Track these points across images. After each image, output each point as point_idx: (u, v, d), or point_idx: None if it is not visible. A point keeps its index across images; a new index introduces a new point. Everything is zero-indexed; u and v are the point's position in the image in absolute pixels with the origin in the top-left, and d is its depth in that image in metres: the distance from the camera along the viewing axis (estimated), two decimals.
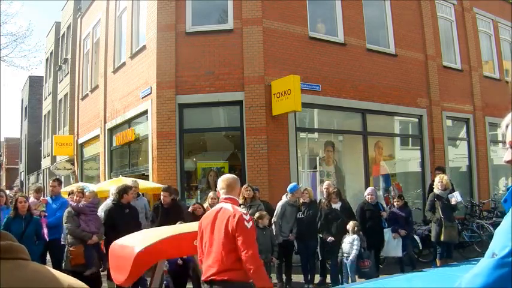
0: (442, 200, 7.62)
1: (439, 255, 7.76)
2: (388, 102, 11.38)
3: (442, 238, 7.47)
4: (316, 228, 7.33)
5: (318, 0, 10.91)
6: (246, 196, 7.28)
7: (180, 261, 5.96)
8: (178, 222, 6.08)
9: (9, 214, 6.27)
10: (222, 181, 3.59)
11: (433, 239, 7.72)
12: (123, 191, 6.45)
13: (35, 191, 7.80)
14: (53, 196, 7.42)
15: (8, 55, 20.06)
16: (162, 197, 6.91)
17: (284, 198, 7.47)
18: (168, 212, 6.76)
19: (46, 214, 6.81)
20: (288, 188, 7.45)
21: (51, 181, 7.94)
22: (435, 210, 7.65)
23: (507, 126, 1.17)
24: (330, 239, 7.10)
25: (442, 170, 9.73)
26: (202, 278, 3.33)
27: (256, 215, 6.74)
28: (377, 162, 11.67)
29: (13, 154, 40.73)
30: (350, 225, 6.94)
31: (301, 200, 7.54)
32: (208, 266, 3.27)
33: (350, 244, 6.82)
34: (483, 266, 1.04)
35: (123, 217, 6.29)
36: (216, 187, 9.59)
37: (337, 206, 7.36)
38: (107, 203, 7.54)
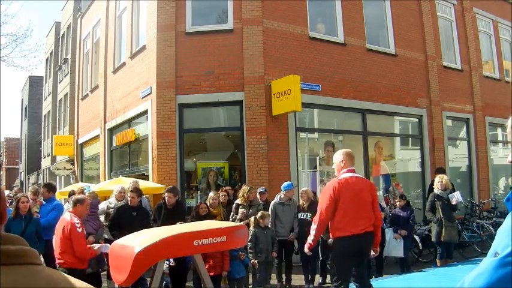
0: (442, 200, 7.62)
1: (439, 255, 7.76)
2: (388, 102, 11.38)
3: (442, 238, 7.47)
4: None
5: (318, 0, 10.91)
6: (248, 197, 7.30)
7: (172, 263, 5.96)
8: (179, 223, 6.09)
9: (10, 214, 6.27)
10: (346, 154, 4.57)
11: (433, 239, 7.72)
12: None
13: (32, 193, 7.83)
14: (45, 200, 7.44)
15: (8, 55, 20.13)
16: (166, 198, 6.88)
17: (275, 199, 7.48)
18: (171, 213, 6.77)
19: (39, 216, 6.82)
20: (282, 186, 7.48)
21: (42, 187, 7.97)
22: (435, 210, 7.65)
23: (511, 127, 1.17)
24: (331, 240, 7.07)
25: (443, 171, 9.71)
26: (354, 231, 4.35)
27: (259, 214, 6.75)
28: (377, 162, 11.67)
29: (13, 154, 40.74)
30: None
31: (301, 201, 7.52)
32: (360, 222, 4.37)
33: None
34: (486, 265, 1.04)
35: (129, 219, 6.28)
36: (215, 187, 9.64)
37: None
38: (105, 202, 7.55)
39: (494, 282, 1.00)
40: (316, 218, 4.56)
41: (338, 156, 4.61)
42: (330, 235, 4.67)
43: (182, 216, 6.69)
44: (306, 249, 4.78)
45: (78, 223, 5.06)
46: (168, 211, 6.81)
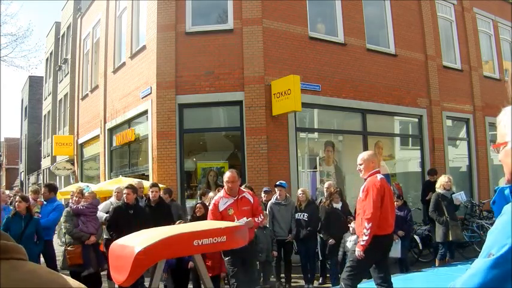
0: (447, 199, 7.66)
1: (440, 256, 7.77)
2: (388, 102, 11.37)
3: (450, 238, 7.49)
4: (315, 228, 7.32)
5: (318, 0, 10.91)
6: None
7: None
8: (178, 222, 6.10)
9: (9, 214, 6.27)
10: (375, 155, 4.98)
11: (438, 239, 7.70)
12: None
13: (32, 192, 7.84)
14: (46, 200, 7.43)
15: (8, 55, 20.13)
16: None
17: (272, 199, 7.49)
18: (153, 209, 6.85)
19: (40, 216, 6.82)
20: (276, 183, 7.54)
21: (43, 187, 7.97)
22: (440, 210, 7.66)
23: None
24: (331, 241, 7.06)
25: (435, 172, 9.67)
26: (389, 230, 4.68)
27: None
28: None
29: (13, 154, 40.74)
30: (352, 224, 6.82)
31: (299, 201, 7.51)
32: (392, 222, 4.69)
33: (353, 242, 6.67)
34: (479, 266, 1.04)
35: (127, 218, 6.28)
36: (215, 187, 9.65)
37: (338, 205, 7.35)
38: (107, 203, 7.55)
39: (488, 282, 1.01)
40: (367, 217, 4.45)
41: (368, 157, 4.75)
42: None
43: (166, 213, 6.76)
44: (359, 253, 4.48)
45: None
46: (151, 209, 6.84)
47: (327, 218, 7.20)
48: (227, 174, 5.20)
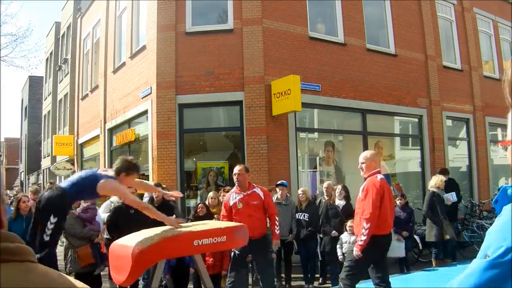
0: (440, 199, 7.69)
1: (435, 255, 7.79)
2: (388, 102, 11.37)
3: (448, 236, 7.51)
4: (316, 228, 7.31)
5: (318, 0, 10.91)
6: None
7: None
8: None
9: (11, 214, 6.26)
10: (376, 155, 4.98)
11: (433, 239, 7.70)
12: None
13: (32, 192, 7.85)
14: None
15: (8, 55, 20.10)
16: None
17: (273, 199, 7.48)
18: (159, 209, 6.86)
19: None
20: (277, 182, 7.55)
21: (48, 184, 7.98)
22: (435, 209, 7.68)
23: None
24: (334, 233, 6.99)
25: (447, 172, 9.61)
26: (388, 230, 4.72)
27: None
28: None
29: (13, 154, 40.74)
30: (349, 223, 6.69)
31: (299, 201, 7.50)
32: (391, 222, 4.72)
33: (351, 243, 6.59)
34: (475, 267, 1.05)
35: (127, 218, 6.27)
36: (216, 187, 9.64)
37: (340, 203, 7.31)
38: (107, 203, 7.56)
39: (483, 283, 1.01)
40: (366, 217, 4.45)
41: (371, 156, 4.76)
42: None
43: (169, 213, 6.74)
44: (357, 252, 4.52)
45: None
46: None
47: (326, 214, 7.18)
48: (235, 168, 5.55)
